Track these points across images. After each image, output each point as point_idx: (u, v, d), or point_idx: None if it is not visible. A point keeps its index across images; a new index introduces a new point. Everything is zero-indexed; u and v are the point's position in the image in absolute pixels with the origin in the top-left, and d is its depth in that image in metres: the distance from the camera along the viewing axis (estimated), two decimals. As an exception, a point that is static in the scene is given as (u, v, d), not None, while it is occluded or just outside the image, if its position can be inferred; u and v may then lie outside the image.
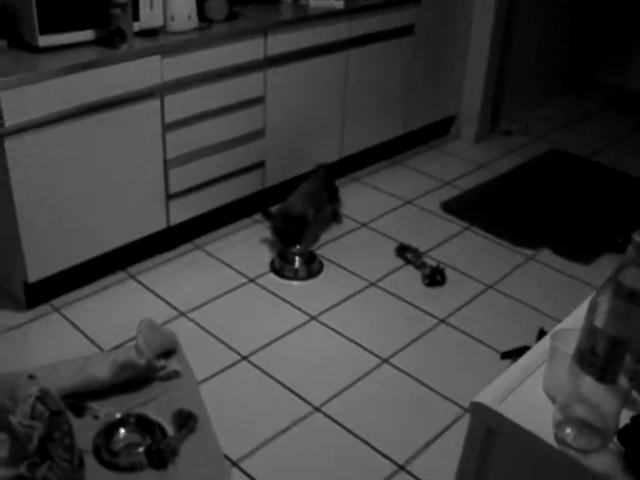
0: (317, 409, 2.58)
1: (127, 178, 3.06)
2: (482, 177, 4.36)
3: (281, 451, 2.41)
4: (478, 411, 1.25)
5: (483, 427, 1.26)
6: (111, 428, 2.39)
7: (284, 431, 2.48)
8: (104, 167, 2.96)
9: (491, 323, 3.07)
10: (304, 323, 3.02)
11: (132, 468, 2.26)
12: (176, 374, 2.64)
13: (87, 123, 2.83)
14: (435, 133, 4.81)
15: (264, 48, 3.37)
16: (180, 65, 3.07)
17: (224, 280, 3.26)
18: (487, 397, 1.25)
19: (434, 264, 3.39)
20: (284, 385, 2.68)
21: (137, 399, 2.53)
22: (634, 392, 1.25)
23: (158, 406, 2.50)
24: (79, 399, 2.47)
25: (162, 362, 2.65)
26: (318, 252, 3.48)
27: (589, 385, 1.12)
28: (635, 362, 1.11)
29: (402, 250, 3.50)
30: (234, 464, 2.34)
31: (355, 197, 4.02)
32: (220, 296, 3.16)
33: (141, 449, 2.31)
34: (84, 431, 2.34)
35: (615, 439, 1.16)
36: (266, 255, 3.45)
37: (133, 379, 2.57)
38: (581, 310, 1.39)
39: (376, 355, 2.86)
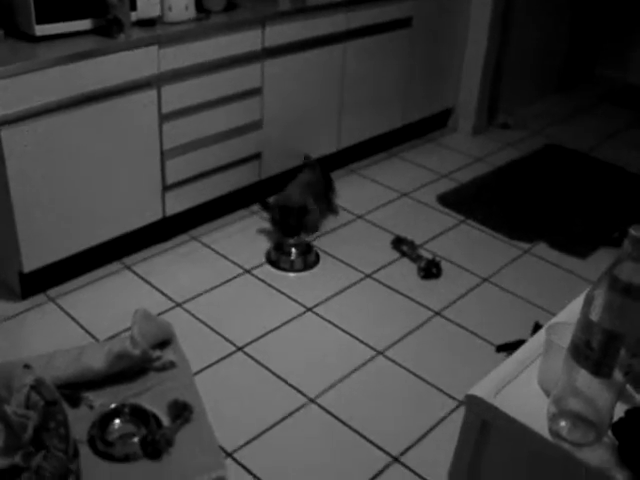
0: (312, 400, 2.59)
1: (123, 168, 3.05)
2: (479, 170, 4.36)
3: (276, 442, 2.41)
4: (473, 404, 1.26)
5: (478, 420, 1.26)
6: (106, 418, 2.39)
7: (279, 422, 2.49)
8: (100, 157, 2.95)
9: (486, 316, 3.08)
10: (300, 315, 3.02)
11: (127, 458, 2.26)
12: (171, 365, 2.64)
13: (83, 113, 2.82)
14: (432, 126, 4.80)
15: (262, 39, 3.36)
16: (177, 55, 3.06)
17: (220, 271, 3.26)
18: (482, 390, 1.25)
19: (430, 257, 3.39)
20: (279, 376, 2.69)
21: (132, 389, 2.53)
22: (628, 386, 1.26)
23: (153, 396, 2.50)
24: (74, 389, 2.46)
25: (157, 352, 2.64)
26: (314, 244, 3.48)
27: (584, 378, 1.13)
28: (630, 356, 1.12)
29: (398, 242, 3.50)
30: (229, 455, 2.34)
31: (352, 189, 4.02)
32: (216, 287, 3.16)
33: (136, 439, 2.31)
34: (79, 421, 2.34)
35: (609, 433, 1.16)
36: (262, 246, 3.44)
37: (128, 369, 2.56)
38: (576, 304, 1.39)
39: (371, 347, 2.87)
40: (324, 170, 3.73)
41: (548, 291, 3.25)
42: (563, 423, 1.16)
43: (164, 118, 3.12)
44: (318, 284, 3.22)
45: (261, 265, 3.32)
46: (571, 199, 4.11)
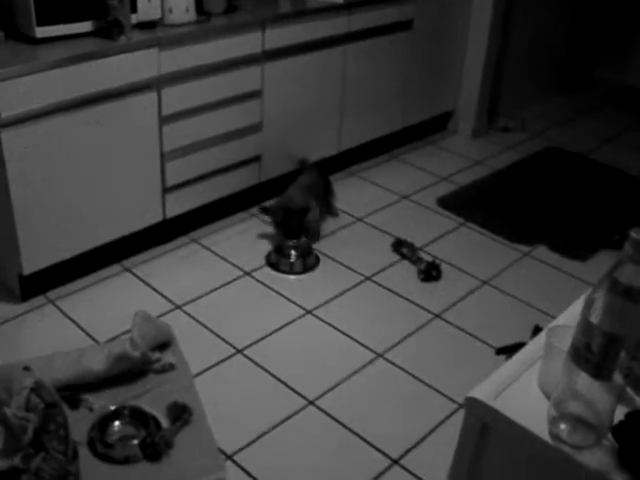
0: (312, 403, 2.59)
1: (123, 170, 3.06)
2: (479, 173, 4.36)
3: (275, 445, 2.41)
4: (473, 406, 1.25)
5: (478, 422, 1.26)
6: (106, 420, 2.39)
7: (278, 425, 2.49)
8: (100, 159, 2.95)
9: (486, 319, 3.08)
10: (299, 317, 3.02)
11: (126, 460, 2.26)
12: (171, 367, 2.64)
13: (84, 115, 2.82)
14: (433, 128, 4.80)
15: (262, 42, 3.36)
16: (178, 58, 3.06)
17: (220, 273, 3.26)
18: (482, 392, 1.25)
19: (430, 259, 3.39)
20: (279, 379, 2.68)
21: (132, 391, 2.53)
22: (628, 389, 1.26)
23: (153, 399, 2.50)
24: (74, 391, 2.46)
25: (157, 355, 2.64)
26: (314, 246, 3.48)
27: (584, 381, 1.12)
28: (630, 359, 1.12)
29: (398, 245, 3.50)
30: (228, 457, 2.34)
31: (352, 191, 4.02)
32: (216, 289, 3.16)
33: (135, 441, 2.31)
34: (79, 423, 2.34)
35: (609, 435, 1.16)
36: (262, 248, 3.44)
37: (128, 371, 2.57)
38: (576, 307, 1.39)
39: (371, 350, 2.86)
40: (322, 173, 3.73)
41: (548, 294, 3.25)
42: (563, 426, 1.16)
43: (164, 120, 3.13)
44: (318, 286, 3.22)
45: (261, 267, 3.32)
46: (571, 202, 4.11)
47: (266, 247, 3.45)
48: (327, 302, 3.12)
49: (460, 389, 2.66)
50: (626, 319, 1.08)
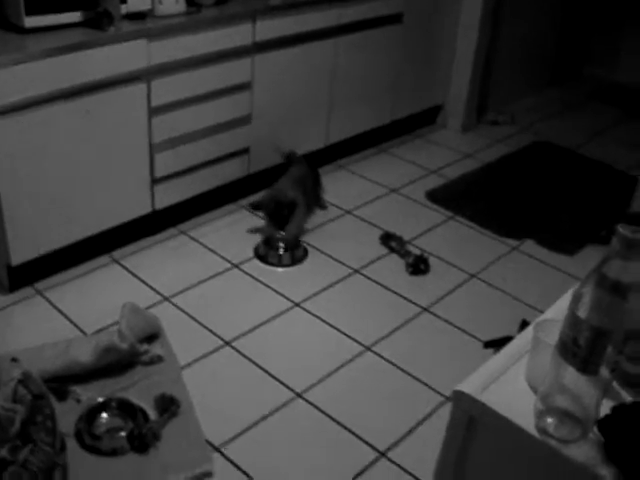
0: (299, 395, 2.59)
1: (112, 162, 3.04)
2: (468, 166, 4.37)
3: (263, 437, 2.41)
4: (460, 400, 1.26)
5: (465, 416, 1.27)
6: (93, 412, 2.39)
7: (266, 417, 2.49)
8: (89, 150, 2.94)
9: (474, 312, 3.09)
10: (287, 309, 3.02)
11: (114, 452, 2.26)
12: (159, 359, 2.64)
13: (72, 106, 2.81)
14: (422, 122, 4.81)
15: (252, 33, 3.35)
16: (167, 49, 3.05)
17: (208, 265, 3.26)
18: (469, 386, 1.26)
19: (418, 253, 3.40)
20: (267, 371, 2.69)
21: (119, 383, 2.53)
22: (615, 383, 1.26)
23: (140, 390, 2.50)
24: (61, 383, 2.46)
25: (145, 346, 2.64)
26: (302, 239, 3.48)
27: (571, 375, 1.13)
28: (617, 353, 1.13)
29: (386, 238, 3.50)
30: (216, 449, 2.34)
31: (340, 184, 4.02)
32: (204, 281, 3.15)
33: (123, 433, 2.31)
34: (66, 415, 2.34)
35: (595, 429, 1.17)
36: (250, 241, 3.44)
37: (116, 363, 2.56)
38: (564, 301, 1.39)
39: (359, 342, 2.87)
40: (311, 165, 3.73)
41: (536, 288, 3.27)
42: (550, 420, 1.17)
43: (153, 111, 3.11)
44: (306, 279, 3.22)
45: (249, 260, 3.32)
46: (559, 196, 4.13)
47: (255, 239, 3.45)
48: (315, 295, 3.12)
49: (448, 382, 2.67)
50: (613, 314, 1.09)
